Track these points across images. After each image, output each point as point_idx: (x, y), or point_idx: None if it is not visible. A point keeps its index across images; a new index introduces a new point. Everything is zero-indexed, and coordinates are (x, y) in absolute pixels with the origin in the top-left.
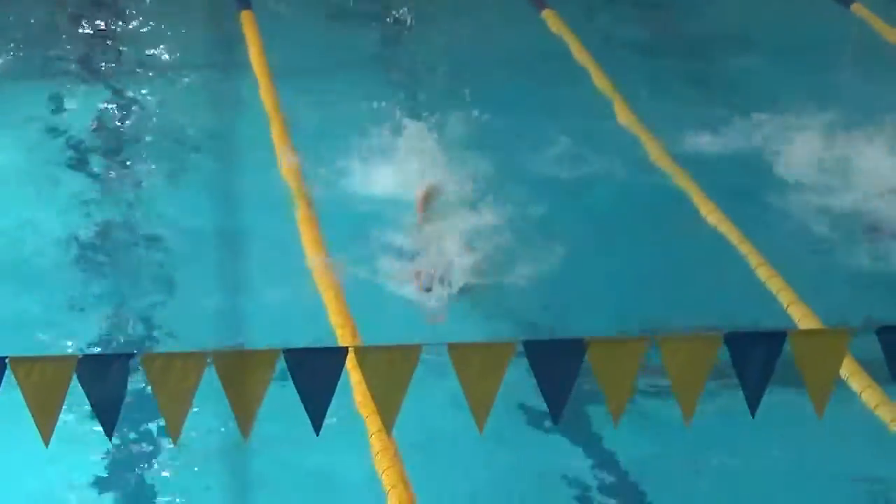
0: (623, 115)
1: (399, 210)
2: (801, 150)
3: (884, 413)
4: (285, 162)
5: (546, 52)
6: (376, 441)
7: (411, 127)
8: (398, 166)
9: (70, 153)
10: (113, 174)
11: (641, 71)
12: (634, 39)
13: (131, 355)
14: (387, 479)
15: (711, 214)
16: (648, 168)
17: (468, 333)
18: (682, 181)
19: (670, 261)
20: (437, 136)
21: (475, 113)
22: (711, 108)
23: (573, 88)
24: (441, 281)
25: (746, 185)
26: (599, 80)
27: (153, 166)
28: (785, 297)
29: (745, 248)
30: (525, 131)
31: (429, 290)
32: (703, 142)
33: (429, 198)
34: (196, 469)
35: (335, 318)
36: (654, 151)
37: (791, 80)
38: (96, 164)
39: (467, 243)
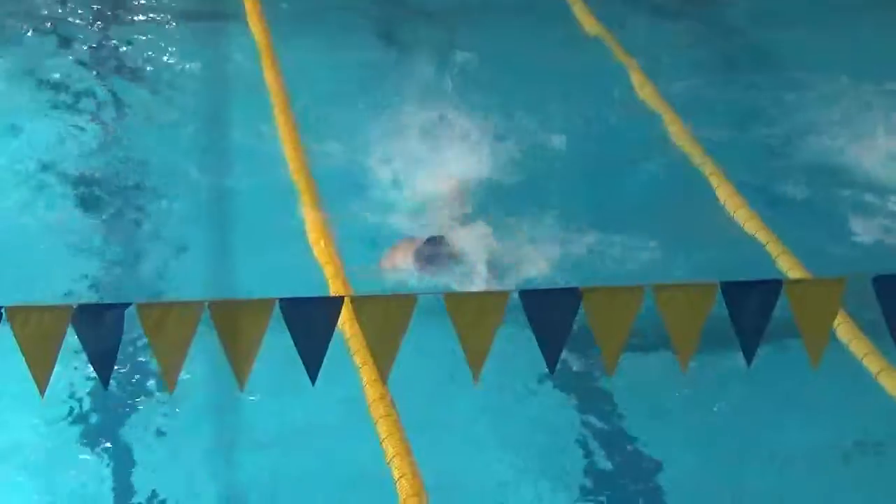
0: (637, 82)
1: (399, 169)
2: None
3: (871, 363)
4: (281, 116)
5: (558, 19)
6: (371, 391)
7: (415, 87)
8: (399, 125)
9: (55, 107)
10: (99, 130)
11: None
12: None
13: (127, 305)
14: (383, 427)
15: (705, 166)
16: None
17: None
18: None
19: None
20: (442, 96)
21: (482, 76)
22: (728, 73)
23: (587, 54)
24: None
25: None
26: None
27: (142, 121)
28: (773, 248)
29: (734, 203)
30: (534, 98)
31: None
32: (716, 101)
33: (402, 255)
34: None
35: (327, 268)
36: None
37: (805, 45)
38: (83, 117)
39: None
